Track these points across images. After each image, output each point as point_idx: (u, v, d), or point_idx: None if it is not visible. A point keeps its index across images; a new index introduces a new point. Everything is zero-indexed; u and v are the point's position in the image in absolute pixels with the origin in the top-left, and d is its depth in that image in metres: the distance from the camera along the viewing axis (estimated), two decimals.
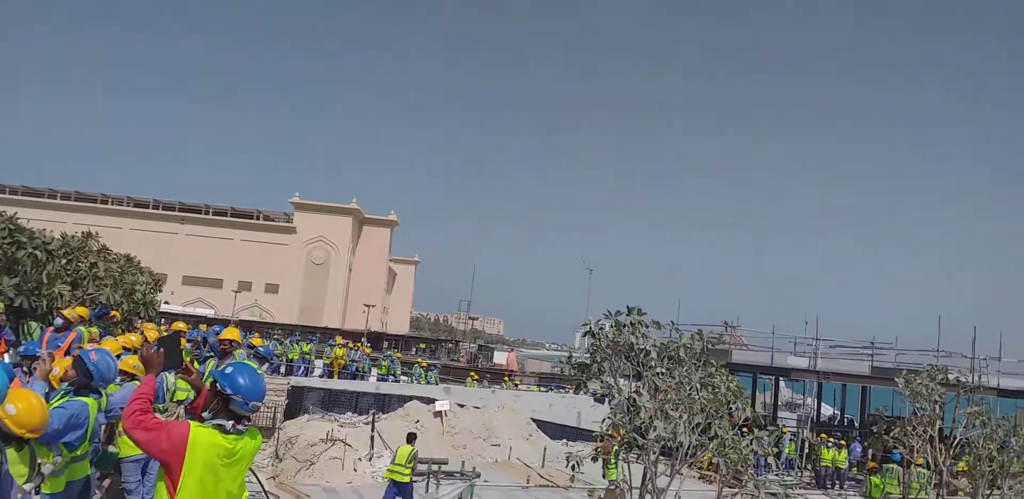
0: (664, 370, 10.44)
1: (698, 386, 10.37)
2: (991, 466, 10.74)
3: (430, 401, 22.06)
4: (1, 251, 12.13)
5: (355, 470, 16.78)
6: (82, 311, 11.06)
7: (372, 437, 18.80)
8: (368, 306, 60.51)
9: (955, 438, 11.78)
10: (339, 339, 33.92)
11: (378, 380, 28.91)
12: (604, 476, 13.02)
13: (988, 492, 10.80)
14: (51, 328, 10.63)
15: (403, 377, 30.73)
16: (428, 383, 28.67)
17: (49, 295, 12.95)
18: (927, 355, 25.60)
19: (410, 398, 23.23)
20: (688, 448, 9.90)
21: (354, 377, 28.72)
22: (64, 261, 13.88)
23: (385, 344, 55.14)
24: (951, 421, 12.30)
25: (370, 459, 17.57)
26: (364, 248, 79.51)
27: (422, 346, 61.23)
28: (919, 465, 13.73)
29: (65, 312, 10.58)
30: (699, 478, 17.69)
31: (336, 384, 26.76)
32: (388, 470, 12.97)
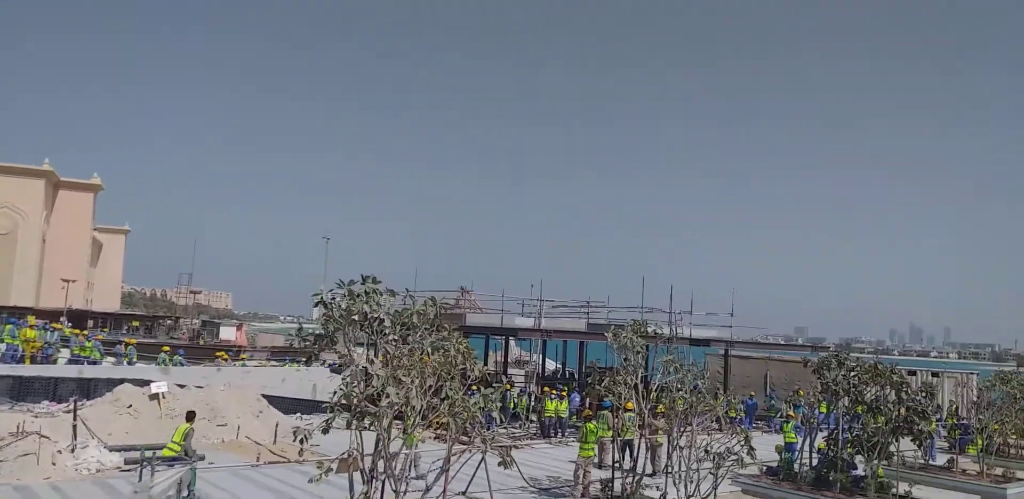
0: (398, 337, 10.45)
1: (430, 350, 10.55)
2: (683, 406, 12.28)
3: (145, 383, 20.13)
4: None
5: (54, 464, 14.80)
6: None
7: (75, 426, 16.73)
8: (67, 281, 53.36)
9: (655, 384, 13.27)
10: (32, 319, 29.53)
11: (69, 362, 25.78)
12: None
13: (682, 429, 12.32)
14: None
15: (110, 358, 27.72)
16: (168, 365, 26.12)
17: None
18: (634, 311, 28.69)
19: (120, 381, 21.02)
20: (420, 411, 10.03)
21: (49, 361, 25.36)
22: None
23: (90, 323, 49.25)
24: (651, 369, 13.81)
25: (72, 450, 15.61)
26: (61, 216, 69.87)
27: (135, 324, 55.79)
28: (629, 410, 15.31)
29: None
30: (435, 438, 18.17)
31: (28, 370, 23.49)
32: (166, 447, 14.83)
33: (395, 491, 9.86)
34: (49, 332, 27.97)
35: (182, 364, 27.59)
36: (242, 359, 34.19)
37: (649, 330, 13.79)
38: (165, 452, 14.84)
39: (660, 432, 15.34)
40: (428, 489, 10.43)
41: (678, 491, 11.86)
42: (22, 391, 22.41)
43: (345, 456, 10.06)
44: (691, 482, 11.81)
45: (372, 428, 10.17)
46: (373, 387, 9.71)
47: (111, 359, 27.79)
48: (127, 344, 28.73)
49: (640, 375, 13.12)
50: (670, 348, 13.81)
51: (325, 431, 9.88)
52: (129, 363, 26.66)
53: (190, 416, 15.63)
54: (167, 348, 29.32)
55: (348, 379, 10.06)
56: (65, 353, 26.92)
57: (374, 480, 9.91)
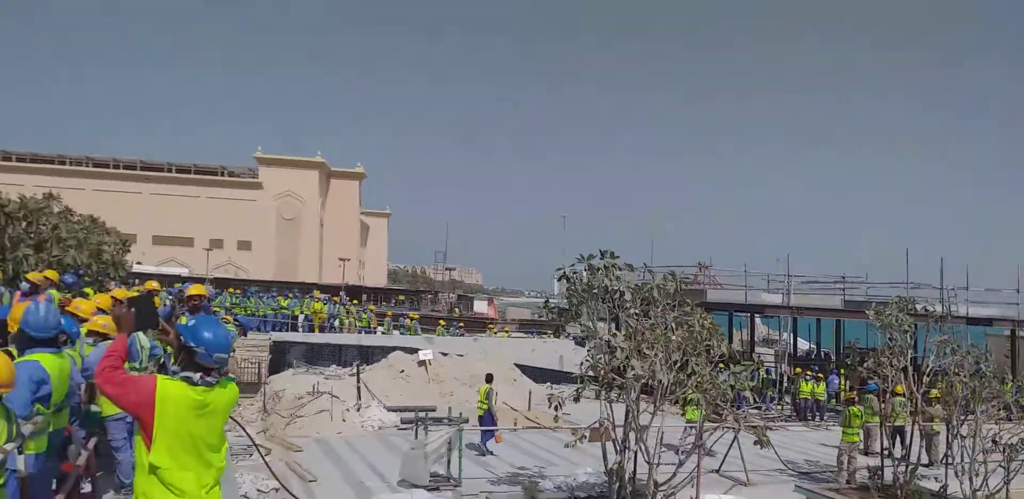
0: (639, 311, 10.53)
1: (673, 325, 10.50)
2: (964, 392, 11.02)
3: (413, 351, 22.18)
4: None
5: (344, 421, 16.93)
6: (51, 274, 10.82)
7: (358, 388, 18.92)
8: (343, 260, 60.14)
9: (927, 367, 12.05)
10: (317, 293, 33.77)
11: (361, 332, 29.08)
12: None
13: (963, 417, 11.11)
14: (19, 293, 10.41)
15: (380, 329, 30.94)
16: (414, 334, 28.91)
17: (14, 259, 12.62)
18: (897, 287, 26.18)
19: (393, 349, 23.34)
20: (667, 385, 10.05)
21: (332, 330, 28.86)
22: (24, 224, 13.48)
23: (364, 297, 55.13)
24: (923, 350, 12.55)
25: (358, 409, 17.72)
26: (334, 202, 78.58)
27: (401, 298, 61.31)
28: (898, 394, 14.10)
29: (31, 276, 10.33)
30: (682, 415, 18.11)
31: (318, 338, 26.81)
32: (478, 406, 15.81)
33: (648, 463, 10.02)
34: (332, 304, 31.81)
35: (462, 334, 30.32)
36: (494, 331, 36.54)
37: (918, 308, 12.52)
38: (479, 410, 15.75)
39: (936, 419, 13.95)
40: (681, 464, 10.44)
41: (961, 484, 10.73)
42: (314, 356, 25.68)
43: (597, 425, 10.40)
44: (977, 475, 10.63)
45: (620, 400, 10.40)
46: (617, 359, 9.90)
47: (381, 329, 31.02)
48: (387, 316, 32.01)
49: (909, 357, 12.00)
50: (943, 328, 12.43)
51: (576, 399, 10.29)
52: (401, 333, 29.65)
53: (488, 378, 16.41)
54: (443, 322, 32.19)
55: (593, 351, 10.36)
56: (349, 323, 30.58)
57: (627, 450, 10.14)
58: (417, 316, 33.87)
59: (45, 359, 4.91)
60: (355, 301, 38.84)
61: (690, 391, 10.29)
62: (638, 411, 10.07)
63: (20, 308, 5.29)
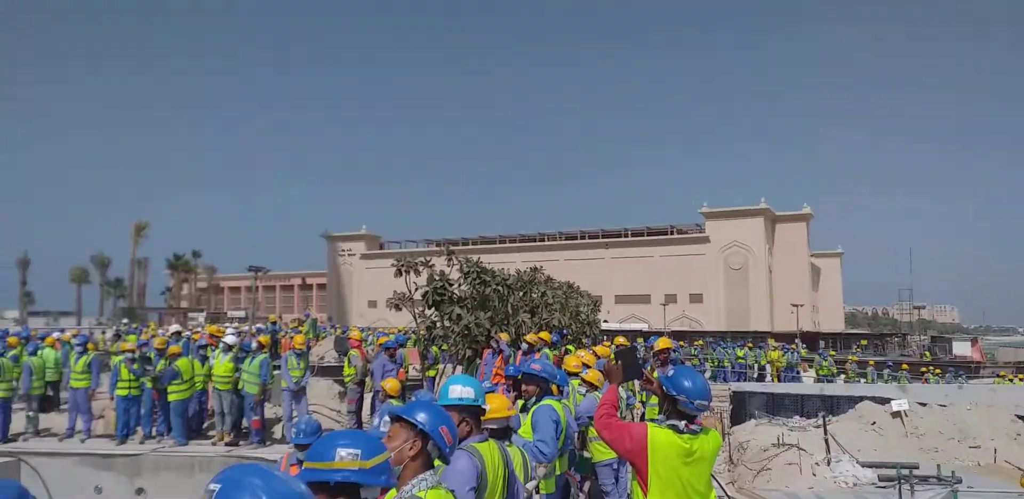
0: None
1: None
2: None
3: (884, 401, 20.46)
4: (474, 290, 14.80)
5: (814, 475, 16.33)
6: (544, 335, 12.96)
7: (826, 440, 18.10)
8: (796, 306, 58.14)
9: None
10: (772, 341, 33.31)
11: (817, 381, 27.77)
12: None
13: None
14: (520, 352, 12.68)
15: (842, 376, 29.04)
16: (883, 381, 26.64)
17: (515, 323, 15.40)
18: None
19: (860, 398, 21.80)
20: None
21: (793, 380, 28.02)
22: (521, 293, 16.41)
23: (821, 343, 52.28)
24: None
25: (828, 463, 16.94)
26: (781, 247, 76.81)
27: (863, 343, 56.59)
28: None
29: (528, 338, 12.54)
30: None
31: (777, 387, 26.31)
32: None
33: None
34: (789, 353, 31.03)
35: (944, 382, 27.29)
36: (1000, 375, 31.53)
37: None
38: None
39: None
40: None
41: None
42: (775, 406, 25.25)
43: None
44: None
45: None
46: None
47: (843, 377, 29.13)
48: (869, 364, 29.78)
49: None
50: None
51: None
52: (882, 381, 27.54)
53: None
54: (938, 370, 29.29)
55: None
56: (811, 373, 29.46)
57: None
58: (873, 362, 31.08)
59: (555, 404, 5.69)
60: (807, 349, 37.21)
61: None
62: None
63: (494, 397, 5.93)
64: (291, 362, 12.92)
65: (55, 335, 18.98)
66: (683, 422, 3.64)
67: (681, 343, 34.11)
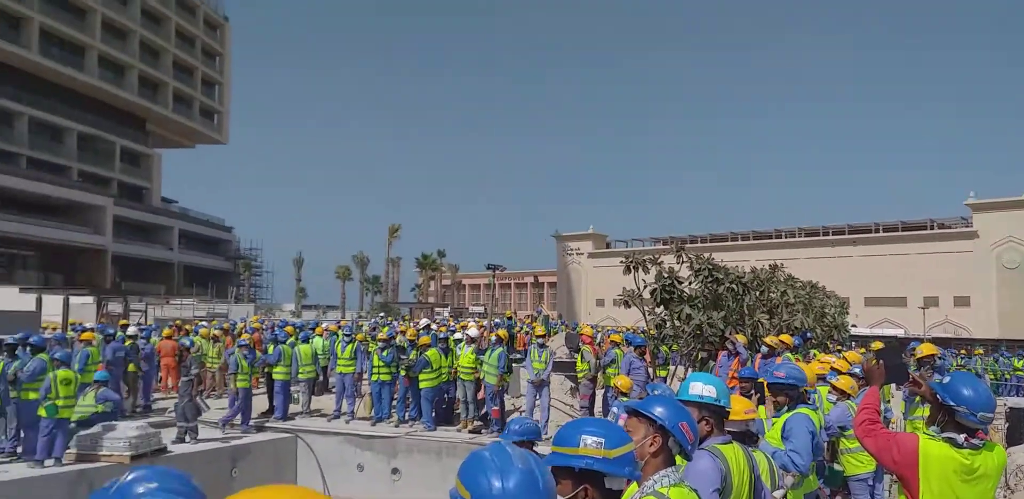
0: None
1: None
2: None
3: None
4: (706, 288, 14.36)
5: None
6: (786, 338, 12.25)
7: None
8: None
9: None
10: None
11: None
12: None
13: None
14: (759, 355, 12.08)
15: None
16: None
17: (751, 324, 14.71)
18: None
19: None
20: None
21: None
22: (757, 293, 15.63)
23: None
24: None
25: None
26: None
27: None
28: None
29: (768, 340, 11.92)
30: None
31: None
32: None
33: None
34: None
35: None
36: None
37: None
38: None
39: None
40: None
41: None
42: None
43: None
44: None
45: None
46: None
47: None
48: None
49: None
50: None
51: None
52: None
53: None
54: None
55: None
56: None
57: None
58: None
59: (812, 414, 5.28)
60: None
61: None
62: None
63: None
64: (533, 354, 13.39)
65: (324, 325, 21.39)
66: (962, 435, 3.26)
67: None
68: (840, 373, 8.12)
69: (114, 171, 66.98)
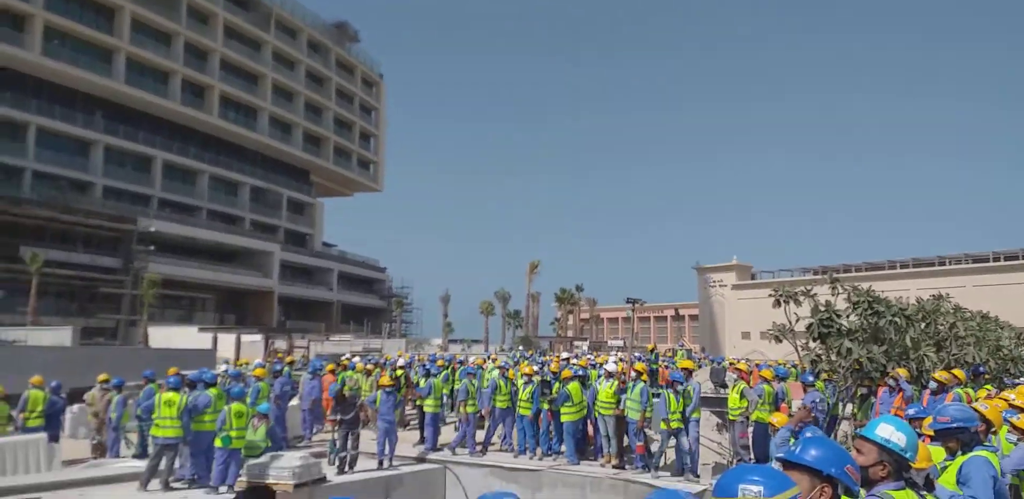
0: None
1: None
2: None
3: None
4: (865, 321, 13.50)
5: None
6: (958, 373, 11.36)
7: None
8: None
9: None
10: None
11: None
12: None
13: None
14: (927, 391, 11.25)
15: None
16: None
17: (916, 359, 13.68)
18: None
19: None
20: None
21: None
22: (923, 325, 14.54)
23: None
24: None
25: None
26: None
27: None
28: None
29: (937, 375, 11.10)
30: None
31: None
32: None
33: None
34: None
35: None
36: None
37: None
38: None
39: None
40: None
41: None
42: None
43: None
44: None
45: None
46: None
47: None
48: None
49: None
50: None
51: None
52: None
53: None
54: None
55: None
56: None
57: None
58: None
59: (991, 456, 4.96)
60: None
61: None
62: None
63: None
64: (670, 399, 13.15)
65: (471, 359, 21.94)
66: None
67: None
68: (1021, 410, 7.42)
69: (281, 219, 72.77)
